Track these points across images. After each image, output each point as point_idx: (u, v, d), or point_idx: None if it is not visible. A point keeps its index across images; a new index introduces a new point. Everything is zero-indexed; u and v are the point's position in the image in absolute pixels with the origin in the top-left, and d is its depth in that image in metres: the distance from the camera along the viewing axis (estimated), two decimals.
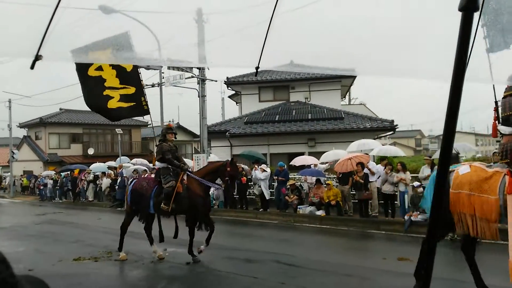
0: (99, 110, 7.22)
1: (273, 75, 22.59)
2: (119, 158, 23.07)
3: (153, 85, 16.71)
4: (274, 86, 22.59)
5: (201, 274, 6.25)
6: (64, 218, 14.74)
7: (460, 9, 1.00)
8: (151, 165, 19.61)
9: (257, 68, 2.20)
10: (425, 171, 10.40)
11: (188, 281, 5.91)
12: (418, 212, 9.75)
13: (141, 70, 14.32)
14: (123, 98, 7.09)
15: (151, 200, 7.10)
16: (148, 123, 36.06)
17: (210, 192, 14.40)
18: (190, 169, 7.48)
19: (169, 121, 38.44)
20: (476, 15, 1.00)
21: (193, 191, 7.01)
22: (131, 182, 7.85)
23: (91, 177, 20.53)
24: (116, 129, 27.44)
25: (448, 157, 0.97)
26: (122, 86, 7.04)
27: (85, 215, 15.71)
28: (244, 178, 13.67)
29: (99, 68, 6.73)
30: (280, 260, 6.99)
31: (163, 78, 16.27)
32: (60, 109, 33.71)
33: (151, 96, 23.30)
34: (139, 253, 7.74)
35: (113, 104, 6.97)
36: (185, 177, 7.16)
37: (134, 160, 22.28)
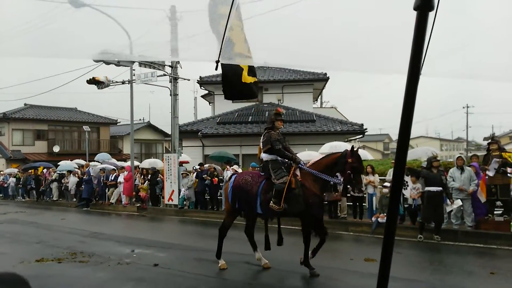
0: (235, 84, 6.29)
1: None
2: (99, 155, 22.56)
3: (123, 82, 16.33)
4: None
5: (169, 276, 6.16)
6: (27, 217, 14.16)
7: (415, 8, 0.99)
8: (119, 163, 19.20)
9: (217, 61, 2.17)
10: (392, 174, 10.67)
11: (155, 283, 5.80)
12: (385, 214, 10.00)
13: (111, 67, 14.03)
14: (249, 71, 5.89)
15: (257, 197, 6.21)
16: (117, 120, 35.28)
17: (182, 192, 14.22)
18: (303, 162, 6.39)
19: (139, 119, 37.75)
20: (431, 14, 0.98)
21: (309, 189, 5.95)
22: (231, 177, 6.91)
23: (55, 176, 19.83)
24: (83, 126, 26.67)
25: (404, 159, 0.96)
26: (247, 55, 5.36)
27: (48, 215, 15.15)
28: (216, 179, 13.60)
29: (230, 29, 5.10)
30: (250, 261, 7.00)
31: (134, 75, 15.94)
32: (25, 104, 32.42)
33: (121, 93, 22.83)
34: (105, 254, 7.54)
35: (245, 77, 6.18)
36: (298, 172, 6.15)
37: (96, 158, 21.74)
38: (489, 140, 9.34)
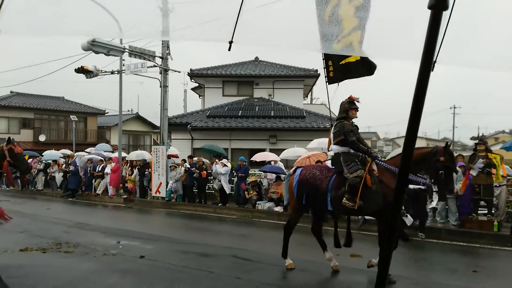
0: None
1: (238, 70, 22.55)
2: (99, 145, 22.33)
3: (112, 72, 16.10)
4: (239, 81, 22.54)
5: (154, 268, 6.14)
6: (11, 206, 13.91)
7: (429, 7, 0.97)
8: (107, 154, 18.99)
9: (230, 42, 2.14)
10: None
11: (141, 275, 5.78)
12: None
13: (100, 56, 13.82)
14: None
15: (328, 193, 5.72)
16: (105, 111, 34.86)
17: (170, 185, 14.13)
18: (380, 156, 5.85)
19: (128, 110, 37.38)
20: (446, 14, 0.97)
21: (388, 186, 5.27)
22: (295, 170, 6.38)
23: (41, 166, 19.52)
24: (70, 116, 26.28)
25: (410, 157, 0.93)
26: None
27: (33, 204, 14.94)
28: (204, 172, 13.56)
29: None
30: (237, 255, 7.01)
31: (123, 65, 15.74)
32: (11, 92, 31.78)
33: (110, 83, 22.53)
34: (90, 245, 7.47)
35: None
36: (374, 167, 5.55)
37: (88, 149, 21.48)
38: (477, 141, 9.47)
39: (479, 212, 9.30)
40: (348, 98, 5.96)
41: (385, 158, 11.63)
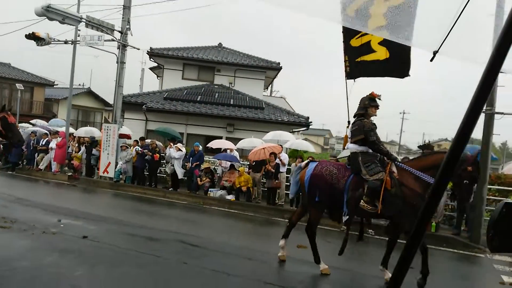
0: None
1: (200, 54, 22.12)
2: (53, 120, 20.83)
3: (66, 42, 15.16)
4: (200, 66, 22.13)
5: (98, 249, 5.90)
6: None
7: None
8: (51, 128, 17.95)
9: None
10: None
11: (82, 255, 5.52)
12: None
13: (54, 23, 12.95)
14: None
15: (344, 194, 5.37)
16: (55, 82, 32.91)
17: (119, 165, 13.62)
18: (399, 159, 5.54)
19: (79, 84, 35.50)
20: None
21: (411, 189, 5.06)
22: (308, 164, 5.99)
23: None
24: (16, 84, 24.51)
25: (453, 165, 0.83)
26: None
27: None
28: (157, 155, 13.23)
29: None
30: (185, 241, 6.91)
31: (78, 36, 14.86)
32: None
33: (62, 53, 21.17)
34: (29, 221, 7.03)
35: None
36: (394, 168, 5.28)
37: (34, 121, 20.19)
38: (424, 149, 9.95)
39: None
40: (370, 94, 5.63)
41: (334, 156, 12.03)
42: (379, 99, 5.65)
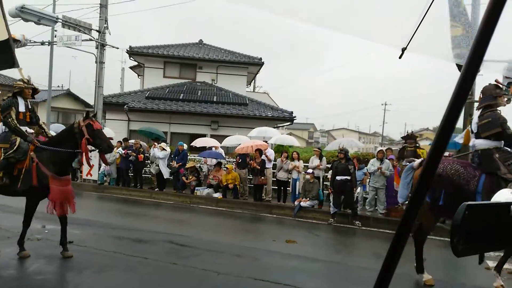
0: None
1: (181, 51, 21.89)
2: (53, 125, 20.11)
3: (42, 43, 14.83)
4: (181, 63, 21.90)
5: (85, 253, 5.80)
6: None
7: None
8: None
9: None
10: (314, 161, 11.22)
11: (69, 261, 5.43)
12: (308, 198, 10.48)
13: (30, 25, 12.63)
14: None
15: (476, 197, 4.72)
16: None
17: (103, 168, 13.40)
18: None
19: (58, 86, 34.82)
20: None
21: None
22: (422, 162, 5.29)
23: None
24: None
25: (439, 156, 0.81)
26: None
27: None
28: (141, 155, 13.07)
29: None
30: (173, 241, 6.87)
31: (55, 36, 14.52)
32: None
33: (39, 55, 20.68)
34: (13, 229, 6.86)
35: None
36: None
37: None
38: (407, 139, 10.11)
39: (405, 202, 9.99)
40: (495, 81, 5.12)
41: (319, 149, 12.09)
42: (507, 87, 5.16)
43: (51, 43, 14.71)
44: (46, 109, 16.33)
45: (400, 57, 2.03)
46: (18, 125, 5.47)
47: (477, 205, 0.89)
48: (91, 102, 16.54)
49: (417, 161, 5.73)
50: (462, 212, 0.87)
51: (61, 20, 13.42)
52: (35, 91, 5.98)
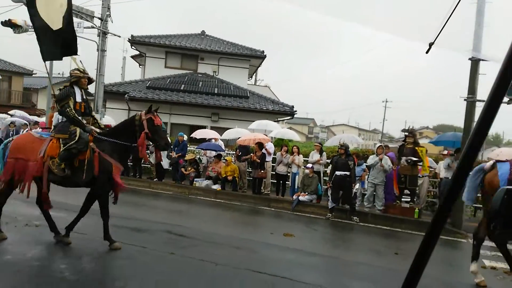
0: None
1: (183, 41, 21.78)
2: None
3: None
4: (183, 54, 21.80)
5: (84, 241, 5.81)
6: None
7: None
8: (32, 118, 17.50)
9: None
10: (314, 156, 11.22)
11: (67, 248, 5.44)
12: (306, 193, 10.49)
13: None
14: None
15: None
16: (33, 71, 32.02)
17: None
18: None
19: (58, 73, 34.67)
20: None
21: None
22: (495, 164, 5.24)
23: None
24: None
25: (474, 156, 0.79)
26: None
27: None
28: None
29: None
30: (171, 231, 6.88)
31: None
32: None
33: None
34: (11, 214, 6.86)
35: None
36: None
37: (12, 111, 19.62)
38: (407, 133, 10.11)
39: (402, 199, 10.03)
40: None
41: (320, 143, 12.08)
42: None
43: None
44: (47, 96, 16.24)
45: (427, 52, 2.02)
46: (76, 115, 5.40)
47: None
48: (92, 91, 16.43)
49: (489, 163, 5.63)
50: (501, 197, 0.84)
51: None
52: (90, 80, 5.85)
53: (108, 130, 5.79)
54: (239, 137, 12.82)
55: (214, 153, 12.83)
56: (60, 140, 5.36)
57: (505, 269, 6.10)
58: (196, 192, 11.79)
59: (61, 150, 5.28)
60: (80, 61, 5.89)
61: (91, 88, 20.80)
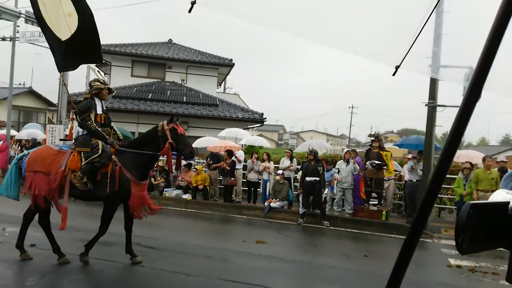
0: None
1: (150, 50, 21.52)
2: (29, 124, 18.89)
3: (3, 39, 14.16)
4: (150, 62, 21.52)
5: (48, 257, 5.59)
6: None
7: None
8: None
9: (193, 2, 1.89)
10: (285, 162, 11.35)
11: (31, 265, 5.22)
12: (277, 199, 10.56)
13: None
14: None
15: None
16: None
17: None
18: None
19: (19, 83, 33.37)
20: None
21: None
22: None
23: None
24: None
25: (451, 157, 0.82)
26: None
27: None
28: None
29: None
30: (141, 243, 6.72)
31: (17, 32, 13.91)
32: None
33: (0, 51, 19.73)
34: None
35: None
36: None
37: None
38: (373, 138, 10.40)
39: (370, 202, 10.28)
40: None
41: (290, 150, 12.24)
42: None
43: (13, 39, 14.06)
44: (7, 108, 15.59)
45: (393, 74, 2.08)
46: (97, 128, 5.25)
47: (480, 204, 0.91)
48: (55, 101, 15.91)
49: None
50: (466, 211, 0.88)
51: (24, 16, 12.88)
52: (110, 91, 5.73)
53: (131, 141, 5.75)
54: (209, 145, 12.77)
55: (184, 162, 12.68)
56: (82, 153, 5.24)
57: (470, 267, 6.37)
58: (166, 203, 11.59)
59: (82, 163, 5.15)
60: (98, 71, 5.77)
61: (54, 98, 20.08)
